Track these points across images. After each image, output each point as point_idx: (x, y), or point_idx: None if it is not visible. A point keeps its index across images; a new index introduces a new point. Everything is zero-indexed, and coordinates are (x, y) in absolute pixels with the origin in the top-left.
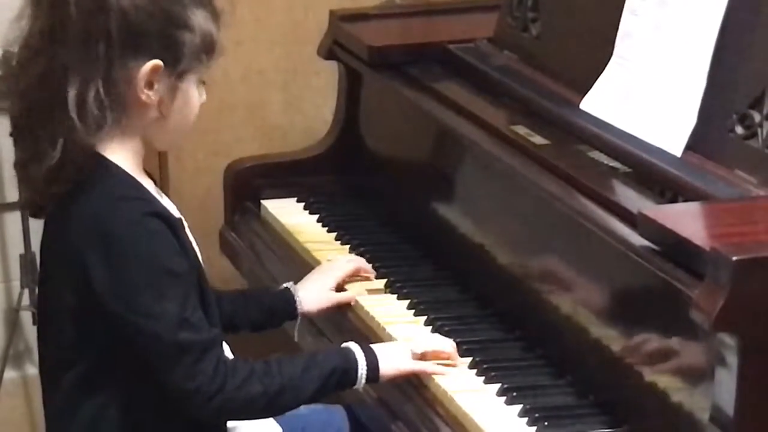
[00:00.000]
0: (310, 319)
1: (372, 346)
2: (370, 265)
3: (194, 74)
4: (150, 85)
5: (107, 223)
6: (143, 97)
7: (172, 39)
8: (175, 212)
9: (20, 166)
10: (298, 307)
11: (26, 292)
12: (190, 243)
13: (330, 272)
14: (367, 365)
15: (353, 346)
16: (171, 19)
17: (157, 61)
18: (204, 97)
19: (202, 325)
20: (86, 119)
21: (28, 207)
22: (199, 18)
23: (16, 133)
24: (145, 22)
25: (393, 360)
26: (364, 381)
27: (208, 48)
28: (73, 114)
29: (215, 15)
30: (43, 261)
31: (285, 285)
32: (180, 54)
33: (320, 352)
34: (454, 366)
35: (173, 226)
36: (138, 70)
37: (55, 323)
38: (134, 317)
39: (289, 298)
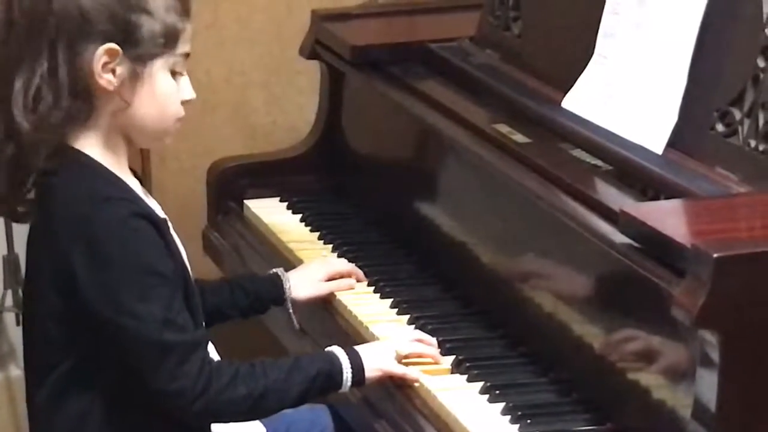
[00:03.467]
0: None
1: (357, 348)
2: (353, 264)
3: (158, 61)
4: (110, 70)
5: (92, 225)
6: (102, 82)
7: (127, 22)
8: (161, 213)
9: None
10: (287, 292)
11: (9, 293)
12: (176, 244)
13: (322, 266)
14: (352, 369)
15: (338, 351)
16: (125, 2)
17: (112, 45)
18: (189, 92)
19: (188, 326)
20: (30, 109)
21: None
22: (159, 4)
23: None
24: (96, 5)
25: (378, 362)
26: (349, 384)
27: (170, 35)
28: (17, 104)
29: (182, 5)
30: (28, 261)
31: (274, 270)
32: (137, 37)
33: (305, 356)
34: (437, 364)
35: (159, 226)
36: (93, 55)
37: (40, 323)
38: (119, 318)
39: (276, 283)
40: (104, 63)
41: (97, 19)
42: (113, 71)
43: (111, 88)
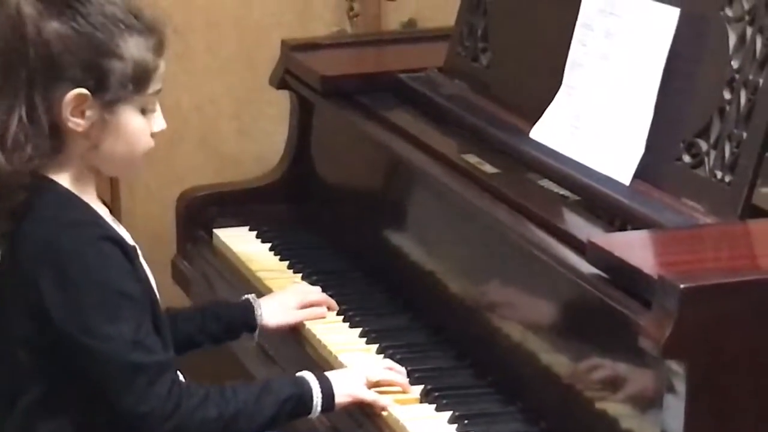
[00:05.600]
0: (261, 346)
1: (327, 373)
2: (324, 294)
3: (128, 104)
4: (80, 113)
5: (60, 248)
6: (71, 125)
7: (96, 67)
8: (129, 240)
9: None
10: (258, 318)
11: None
12: (144, 271)
13: (296, 294)
14: (322, 394)
15: (308, 376)
16: (97, 48)
17: (81, 90)
18: (160, 124)
19: (156, 347)
20: (9, 148)
21: None
22: (131, 46)
23: None
24: (67, 50)
25: (348, 388)
26: (319, 410)
27: (141, 77)
28: None
29: (156, 44)
30: None
31: (246, 296)
32: (106, 82)
33: (275, 380)
34: (406, 393)
35: (126, 251)
36: (62, 98)
37: (9, 349)
38: (88, 340)
39: (248, 309)
40: (73, 107)
41: (68, 65)
42: (82, 114)
43: (80, 130)
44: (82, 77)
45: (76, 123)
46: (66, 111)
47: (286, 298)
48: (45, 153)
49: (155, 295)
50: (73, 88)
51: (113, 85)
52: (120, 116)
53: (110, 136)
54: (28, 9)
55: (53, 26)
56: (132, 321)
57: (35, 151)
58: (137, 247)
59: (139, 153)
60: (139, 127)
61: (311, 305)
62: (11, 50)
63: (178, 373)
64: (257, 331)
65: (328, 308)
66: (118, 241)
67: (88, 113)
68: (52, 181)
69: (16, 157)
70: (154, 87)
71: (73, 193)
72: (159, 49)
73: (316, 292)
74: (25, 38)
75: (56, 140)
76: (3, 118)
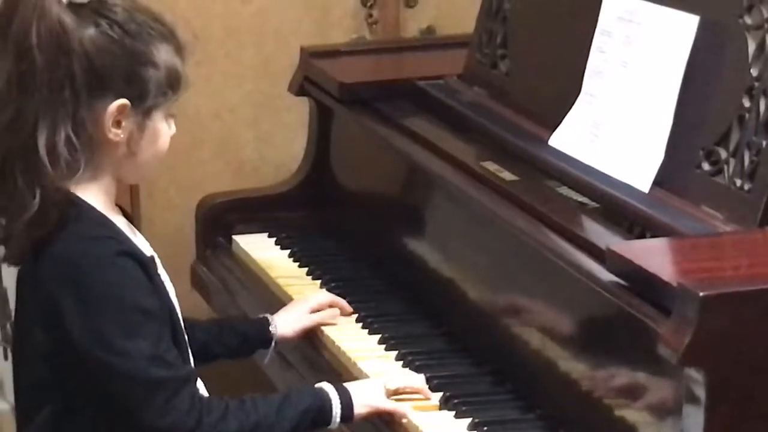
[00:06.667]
0: (281, 353)
1: (345, 384)
2: (333, 295)
3: (161, 109)
4: (117, 123)
5: (79, 263)
6: (111, 136)
7: (136, 77)
8: (148, 250)
9: (1, 212)
10: (273, 330)
11: None
12: (163, 282)
13: (305, 302)
14: (341, 405)
15: (327, 387)
16: (134, 57)
17: (124, 101)
18: (174, 128)
19: (176, 362)
20: (58, 164)
21: (11, 257)
22: (162, 53)
23: None
24: (109, 62)
25: (367, 399)
26: (338, 420)
27: (174, 82)
28: (45, 160)
29: (179, 48)
30: (17, 299)
31: (263, 315)
32: (146, 91)
33: (294, 392)
34: (427, 399)
35: (145, 265)
36: (105, 110)
37: (29, 361)
38: (107, 356)
39: (264, 324)
40: (114, 118)
41: (111, 75)
42: (119, 124)
43: (118, 140)
44: (124, 88)
45: (116, 133)
46: (108, 122)
47: (297, 308)
48: (85, 166)
49: (174, 308)
50: (114, 100)
51: (151, 92)
52: (156, 122)
53: (147, 142)
54: (68, 19)
55: (90, 35)
56: (151, 336)
57: (78, 165)
58: (156, 256)
59: (161, 158)
60: (166, 132)
61: (321, 308)
62: (56, 66)
63: (200, 384)
64: (272, 345)
65: (341, 309)
66: (136, 256)
67: (124, 123)
68: (70, 193)
69: (61, 173)
70: (182, 90)
71: (90, 206)
72: (181, 53)
73: (323, 296)
74: (70, 52)
75: (93, 153)
76: (50, 134)
